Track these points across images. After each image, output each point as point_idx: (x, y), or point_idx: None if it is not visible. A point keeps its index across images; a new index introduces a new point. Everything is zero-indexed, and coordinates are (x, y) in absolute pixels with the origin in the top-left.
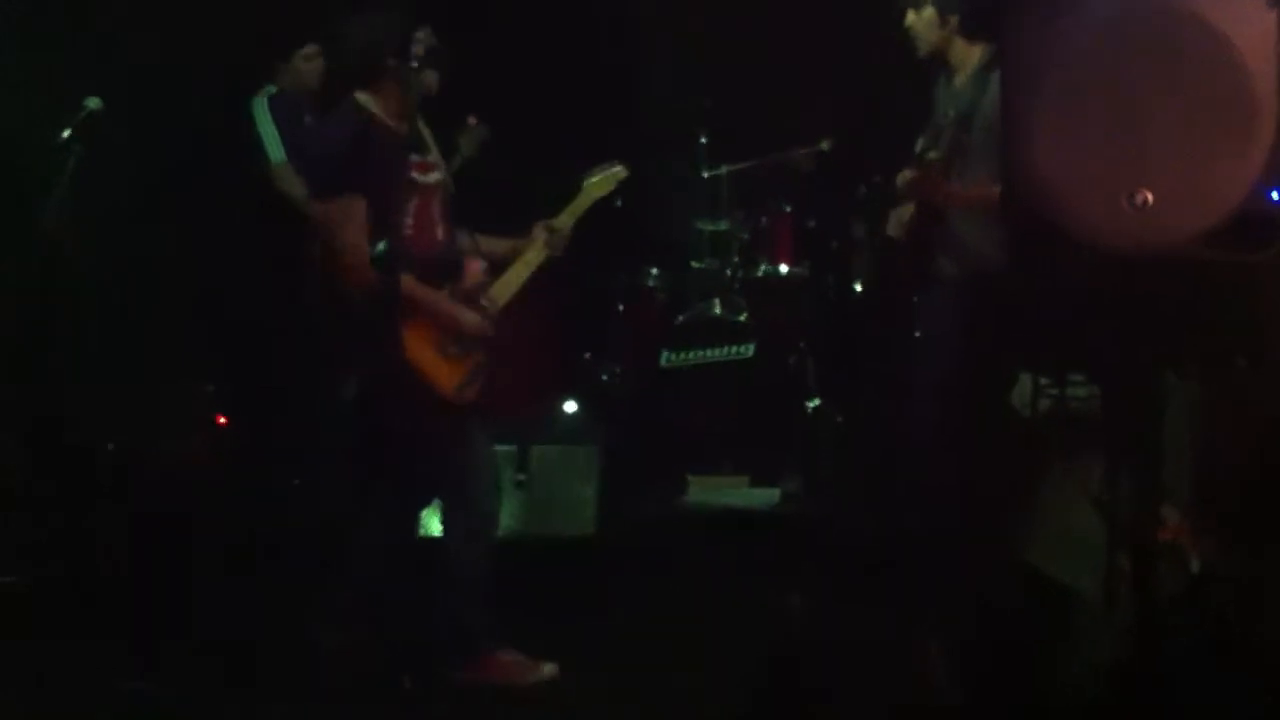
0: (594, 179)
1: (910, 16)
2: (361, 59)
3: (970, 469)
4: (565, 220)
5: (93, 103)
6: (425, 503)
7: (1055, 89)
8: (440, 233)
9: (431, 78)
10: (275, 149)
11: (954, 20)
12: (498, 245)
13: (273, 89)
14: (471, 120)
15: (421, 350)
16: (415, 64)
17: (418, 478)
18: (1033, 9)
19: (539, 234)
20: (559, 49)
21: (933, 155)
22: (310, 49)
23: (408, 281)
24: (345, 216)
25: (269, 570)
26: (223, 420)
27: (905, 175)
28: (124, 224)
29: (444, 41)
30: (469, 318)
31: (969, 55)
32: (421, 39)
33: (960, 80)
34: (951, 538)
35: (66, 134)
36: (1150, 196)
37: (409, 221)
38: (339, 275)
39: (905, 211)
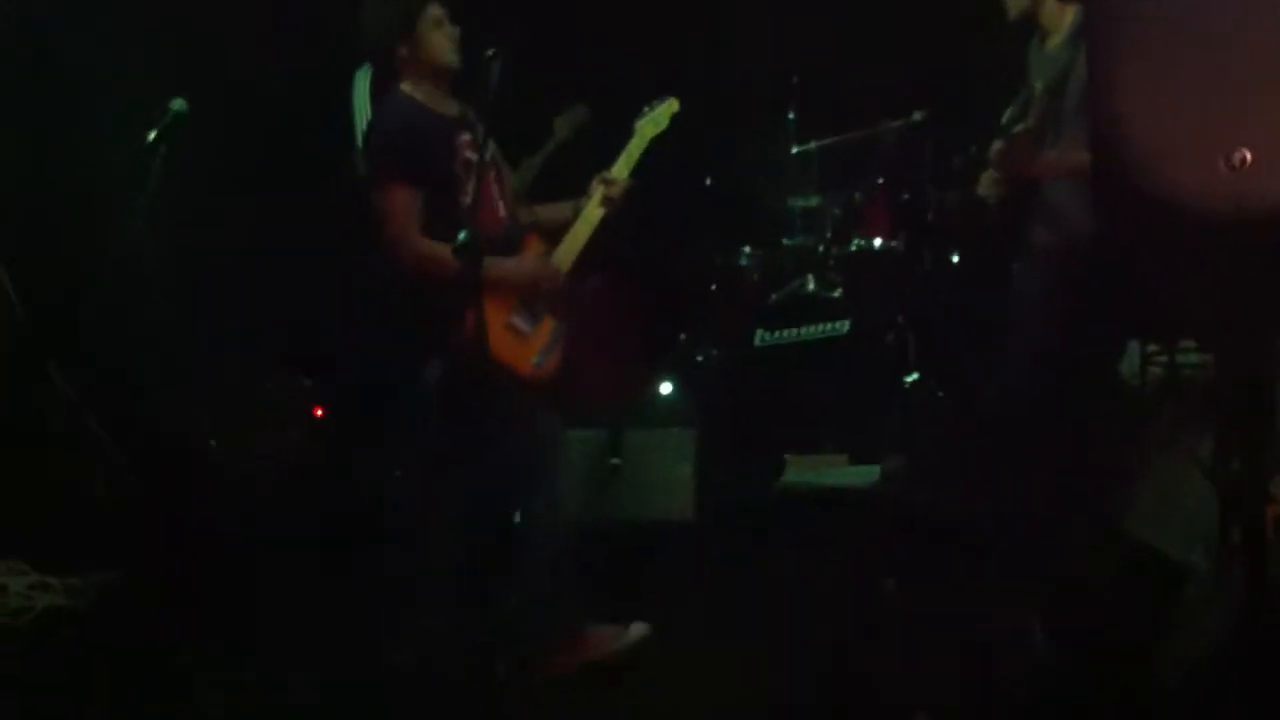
0: (645, 119)
1: None
2: (375, 46)
3: (1077, 441)
4: (621, 169)
5: (177, 104)
6: (506, 486)
7: (1142, 49)
8: (501, 209)
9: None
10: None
11: None
12: (558, 211)
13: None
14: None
15: (493, 331)
16: (438, 23)
17: (495, 460)
18: None
19: (596, 189)
20: (645, 22)
21: (1019, 127)
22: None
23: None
24: (394, 210)
25: (367, 563)
26: (319, 413)
27: (997, 145)
28: (211, 221)
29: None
30: (532, 267)
31: (1061, 18)
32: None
33: (1053, 44)
34: (1055, 512)
35: (153, 135)
36: (1248, 155)
37: (467, 202)
38: (395, 265)
39: (996, 174)
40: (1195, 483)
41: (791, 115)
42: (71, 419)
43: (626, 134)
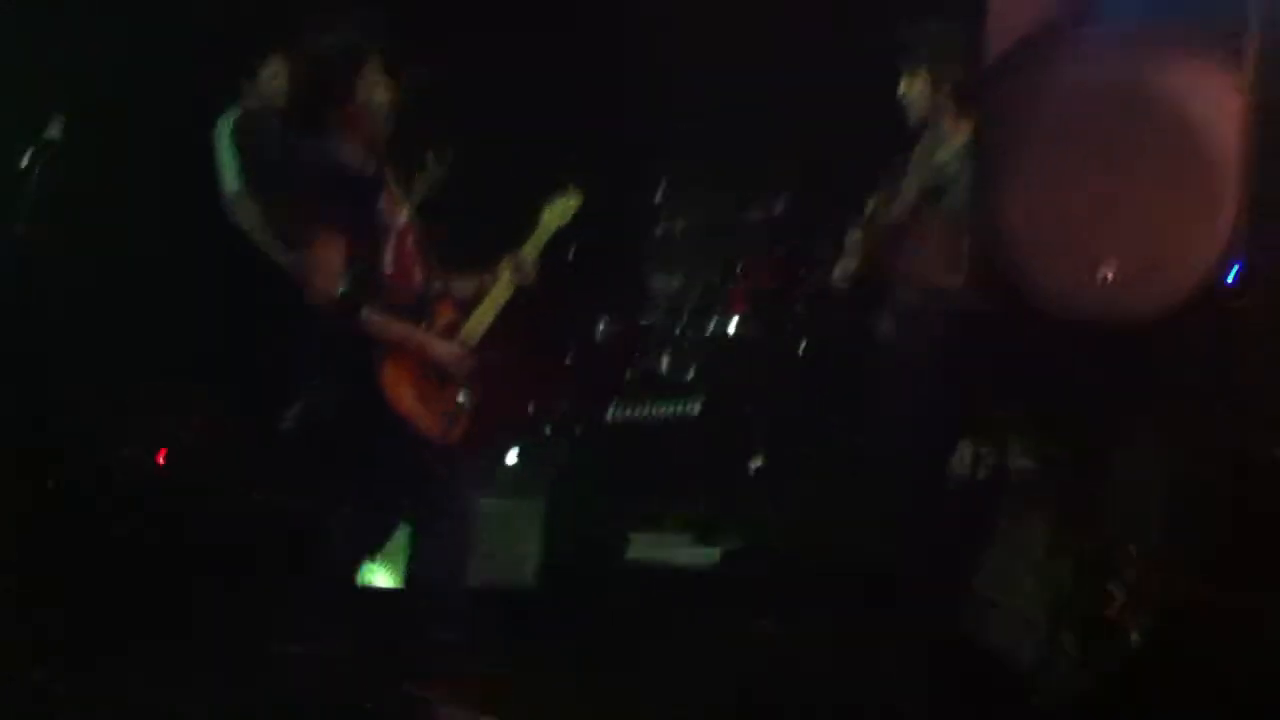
0: (551, 208)
1: (905, 83)
2: (322, 93)
3: (913, 531)
4: (530, 252)
5: (54, 130)
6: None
7: (1027, 163)
8: (417, 273)
9: (384, 101)
10: (231, 178)
11: (945, 89)
12: (465, 284)
13: (238, 110)
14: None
15: (402, 389)
16: (371, 84)
17: (396, 507)
18: (1011, 85)
19: (504, 270)
20: (523, 83)
21: (881, 219)
22: (275, 67)
23: (385, 320)
24: (318, 262)
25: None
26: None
27: (854, 235)
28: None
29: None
30: (447, 349)
31: (957, 130)
32: (373, 74)
33: (942, 154)
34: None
35: (26, 159)
36: (1112, 272)
37: (387, 260)
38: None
39: (851, 262)
40: (1028, 581)
41: (660, 196)
42: None
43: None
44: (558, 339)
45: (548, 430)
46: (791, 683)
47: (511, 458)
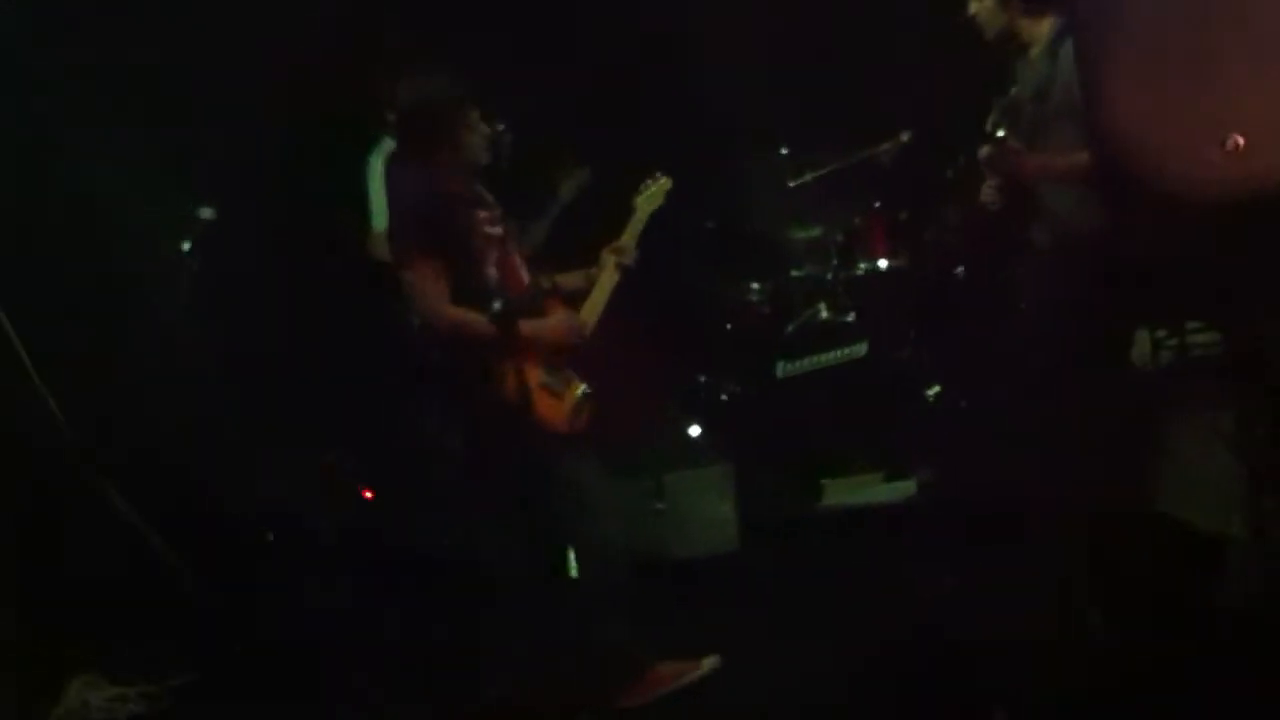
0: (643, 195)
1: (973, 4)
2: (419, 128)
3: (1101, 430)
4: (628, 240)
5: (206, 213)
6: (556, 537)
7: (1129, 46)
8: (524, 275)
9: (485, 139)
10: (379, 215)
11: (1015, 2)
12: (571, 279)
13: (390, 142)
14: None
15: (528, 391)
16: (474, 126)
17: (544, 513)
18: None
19: (607, 259)
20: (629, 80)
21: (1003, 131)
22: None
23: (509, 321)
24: (425, 286)
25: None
26: (369, 494)
27: (984, 152)
28: (252, 314)
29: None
30: (565, 324)
31: (1038, 30)
32: (480, 106)
33: (1034, 55)
34: (1089, 501)
35: (187, 246)
36: (1240, 140)
37: (492, 273)
38: (431, 338)
39: (990, 183)
40: (1221, 456)
41: (783, 150)
42: (128, 534)
43: (624, 201)
44: (711, 306)
45: (723, 396)
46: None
47: (694, 429)
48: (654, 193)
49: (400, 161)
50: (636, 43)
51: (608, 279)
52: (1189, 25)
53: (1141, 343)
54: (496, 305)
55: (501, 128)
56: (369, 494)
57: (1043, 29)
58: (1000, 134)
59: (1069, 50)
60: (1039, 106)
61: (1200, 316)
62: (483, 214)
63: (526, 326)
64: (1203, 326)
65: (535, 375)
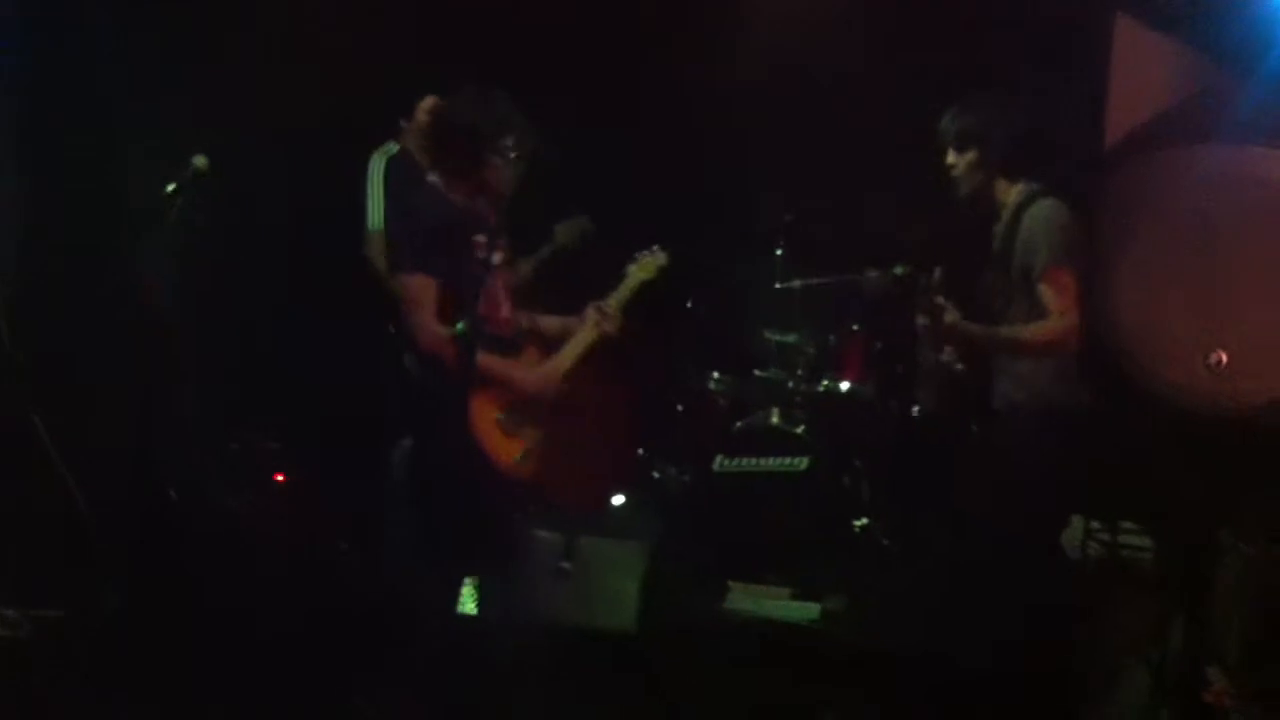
0: (638, 264)
1: (951, 156)
2: (450, 143)
3: (1018, 601)
4: (614, 305)
5: (200, 161)
6: (469, 576)
7: (1141, 250)
8: (505, 311)
9: (514, 171)
10: (375, 214)
11: (996, 162)
12: (551, 324)
13: (394, 148)
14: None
15: (482, 422)
16: (505, 155)
17: (466, 551)
18: (1123, 171)
19: (591, 315)
20: (652, 150)
21: (940, 305)
22: (432, 101)
23: (481, 355)
24: (416, 297)
25: (313, 635)
26: (280, 478)
27: (920, 320)
28: (214, 277)
29: (540, 135)
30: (535, 377)
31: (1008, 195)
32: (515, 137)
33: (1001, 221)
34: (989, 668)
35: (171, 188)
36: (1225, 358)
37: (479, 301)
38: (411, 349)
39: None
40: (1131, 668)
41: (780, 251)
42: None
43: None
44: (666, 385)
45: (656, 475)
46: None
47: (618, 500)
48: (648, 264)
49: (411, 169)
50: (674, 112)
51: (585, 336)
52: (1203, 242)
53: (1075, 529)
54: (459, 326)
55: (514, 155)
56: (280, 478)
57: (1011, 195)
58: (933, 301)
59: (1029, 220)
60: (998, 276)
61: (1137, 520)
62: (488, 241)
63: (498, 364)
64: (1136, 530)
65: (493, 411)
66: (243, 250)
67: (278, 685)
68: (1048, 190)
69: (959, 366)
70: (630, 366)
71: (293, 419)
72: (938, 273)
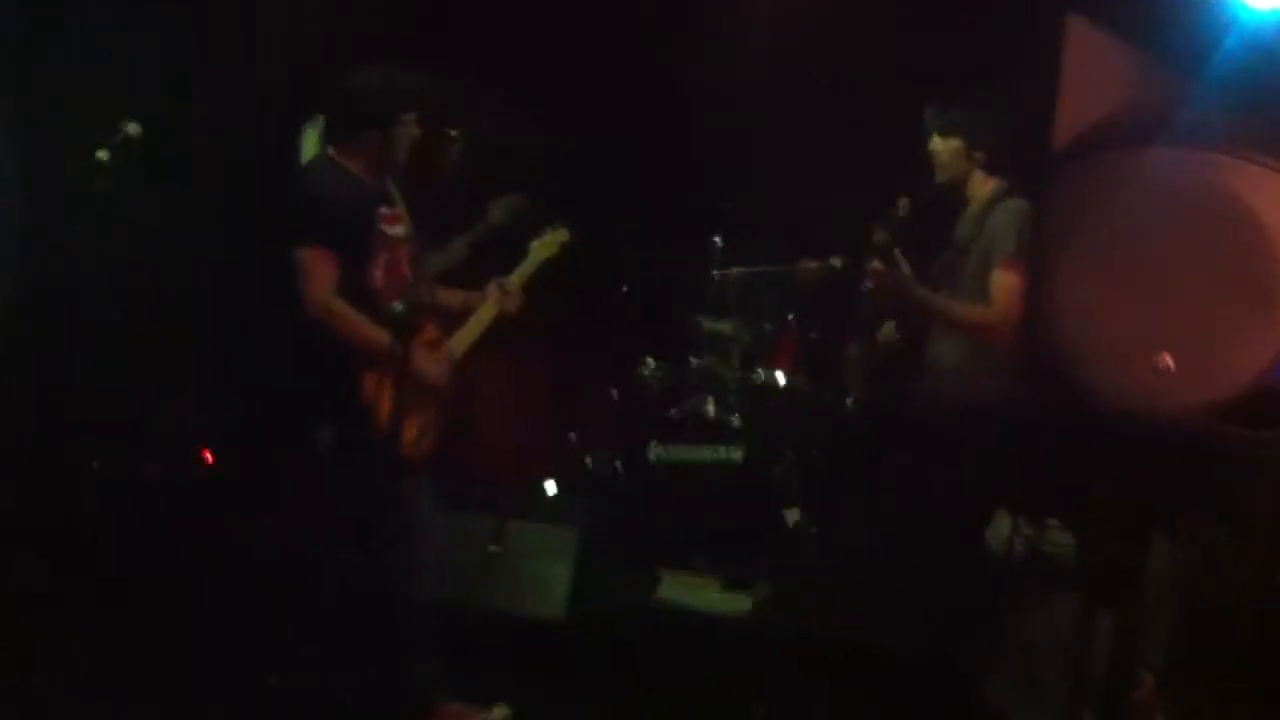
0: (540, 241)
1: (936, 142)
2: (350, 113)
3: (943, 593)
4: (515, 281)
5: (131, 128)
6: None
7: (1086, 251)
8: (405, 286)
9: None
10: None
11: (979, 155)
12: (452, 298)
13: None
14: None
15: (379, 400)
16: (403, 128)
17: (372, 530)
18: (1075, 165)
19: (492, 291)
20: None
21: (891, 255)
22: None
23: (372, 329)
24: (308, 268)
25: (228, 608)
26: (207, 455)
27: (873, 265)
28: (143, 244)
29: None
30: (430, 366)
31: (984, 188)
32: (418, 111)
33: (970, 211)
34: (916, 661)
35: (103, 155)
36: (1171, 363)
37: (378, 274)
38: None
39: (890, 328)
40: (1052, 660)
41: (718, 240)
42: None
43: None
44: (598, 371)
45: (588, 461)
46: None
47: (550, 486)
48: (549, 241)
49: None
50: (620, 88)
51: (486, 312)
52: (1148, 244)
53: (1000, 524)
54: (398, 306)
55: (454, 133)
56: (207, 453)
57: (988, 188)
58: (886, 249)
59: (999, 213)
60: (956, 257)
61: (1062, 518)
62: (386, 212)
63: (395, 342)
64: (1060, 528)
65: (389, 390)
66: (174, 220)
67: (197, 659)
68: (1022, 189)
69: (896, 340)
70: (551, 348)
71: (222, 392)
72: (902, 206)
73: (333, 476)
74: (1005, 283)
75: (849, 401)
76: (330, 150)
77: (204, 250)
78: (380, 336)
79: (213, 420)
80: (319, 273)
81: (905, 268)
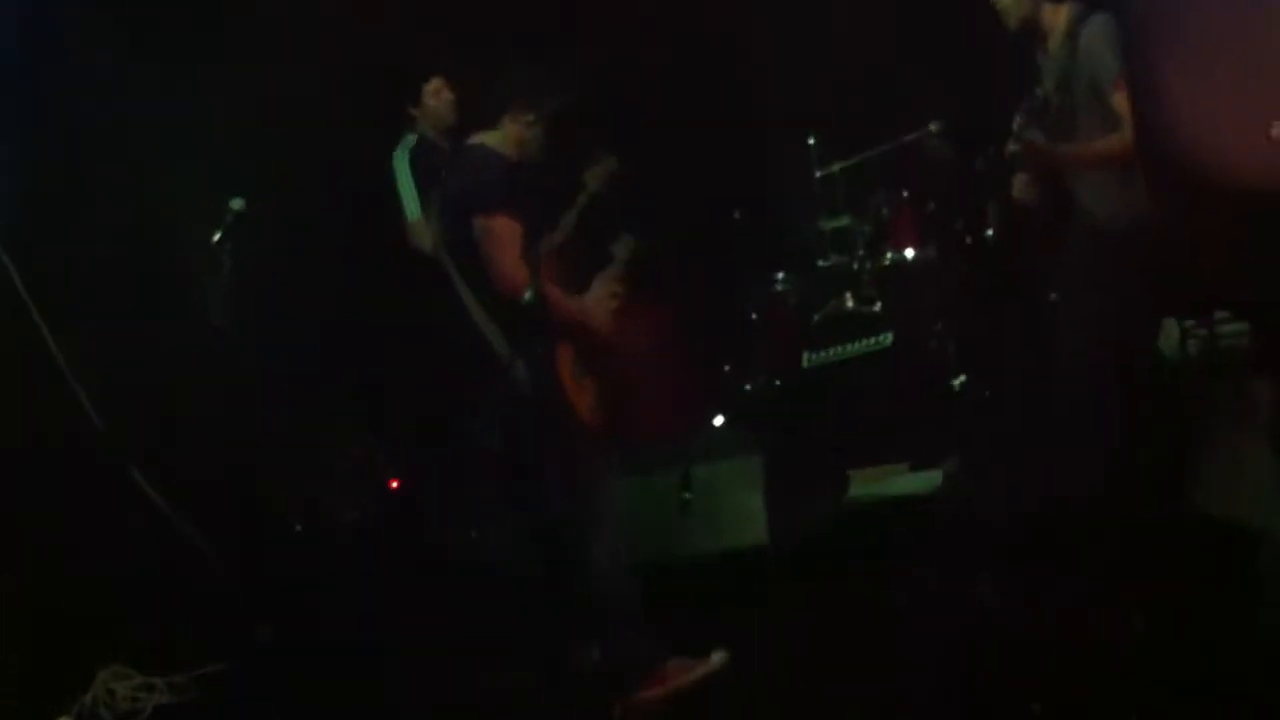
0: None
1: None
2: (494, 107)
3: (1133, 423)
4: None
5: (236, 204)
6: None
7: (1180, 34)
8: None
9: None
10: (411, 205)
11: None
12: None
13: (412, 138)
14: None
15: (561, 371)
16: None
17: (560, 506)
18: None
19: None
20: (656, 69)
21: (1029, 133)
22: (435, 83)
23: (556, 293)
24: (502, 236)
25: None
26: (394, 484)
27: (1011, 148)
28: (281, 305)
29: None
30: (599, 309)
31: (1057, 18)
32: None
33: (1053, 45)
34: (1123, 496)
35: (218, 237)
36: None
37: (554, 242)
38: (500, 296)
39: (1025, 176)
40: (1257, 451)
41: (811, 140)
42: (159, 522)
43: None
44: (738, 298)
45: (748, 387)
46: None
47: (719, 420)
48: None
49: (434, 153)
50: (663, 30)
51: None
52: (1237, 18)
53: (1170, 332)
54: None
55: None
56: (395, 484)
57: (1060, 18)
58: (1025, 131)
59: (1087, 38)
60: (1062, 97)
61: (1228, 307)
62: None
63: (574, 301)
64: (1230, 317)
65: (567, 360)
66: (296, 276)
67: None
68: (1095, 6)
69: (1032, 197)
70: (684, 291)
71: (389, 424)
72: (1019, 116)
73: (521, 461)
74: (1128, 100)
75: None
76: (485, 137)
77: (342, 295)
78: (559, 299)
79: (394, 451)
80: (514, 241)
81: (1037, 136)
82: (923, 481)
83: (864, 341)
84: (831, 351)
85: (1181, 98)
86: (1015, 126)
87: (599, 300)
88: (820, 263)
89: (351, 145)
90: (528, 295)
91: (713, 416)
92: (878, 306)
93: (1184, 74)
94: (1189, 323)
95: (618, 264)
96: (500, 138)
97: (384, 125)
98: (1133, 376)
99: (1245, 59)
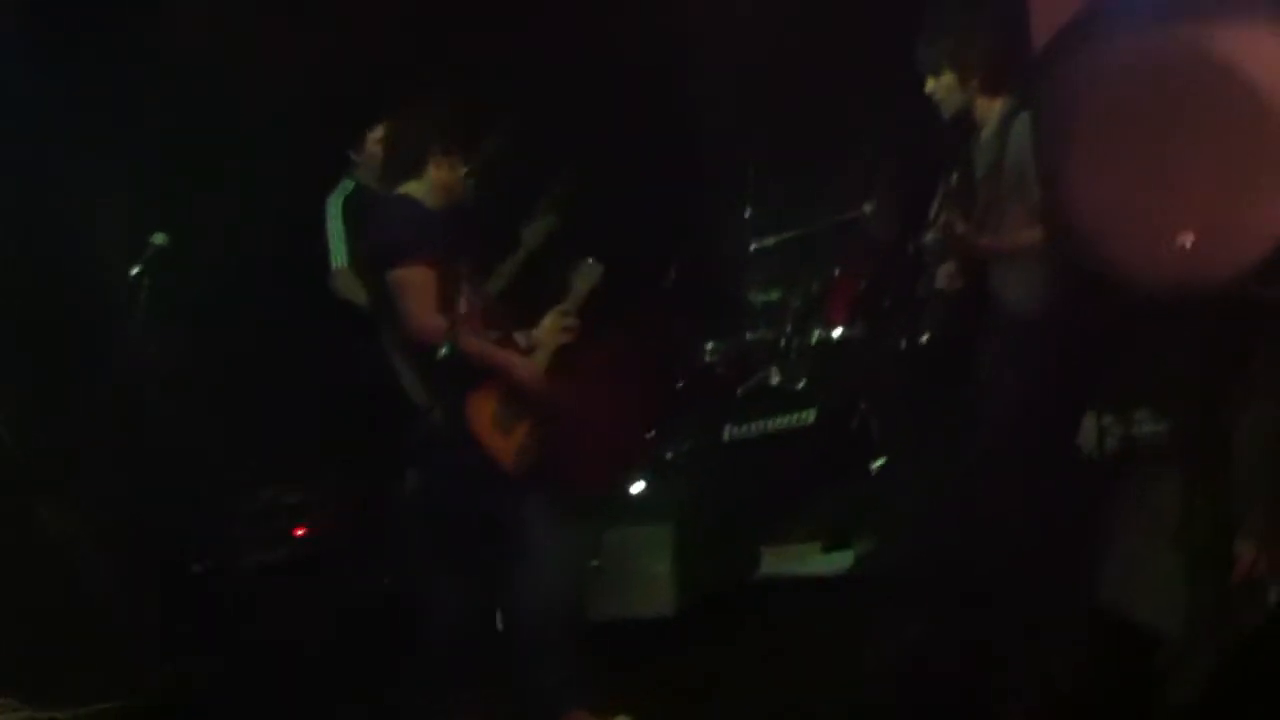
0: (579, 274)
1: (930, 83)
2: (414, 155)
3: (1045, 514)
4: (570, 306)
5: (159, 239)
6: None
7: (1088, 139)
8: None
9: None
10: (338, 252)
11: (974, 82)
12: (520, 336)
13: (349, 185)
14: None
15: (480, 421)
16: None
17: (486, 552)
18: (1062, 62)
19: (555, 320)
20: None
21: (950, 216)
22: (378, 131)
23: (475, 341)
24: (417, 285)
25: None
26: (299, 532)
27: (931, 237)
28: (197, 344)
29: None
30: (530, 366)
31: (991, 110)
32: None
33: (985, 136)
34: (1030, 585)
35: (136, 270)
36: (1190, 239)
37: (470, 293)
38: (411, 343)
39: (950, 265)
40: (1163, 549)
41: (748, 213)
42: (67, 551)
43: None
44: (662, 364)
45: (667, 456)
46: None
47: (636, 487)
48: (586, 275)
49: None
50: (618, 90)
51: (552, 340)
52: (1149, 122)
53: (1088, 429)
54: (445, 349)
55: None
56: (300, 532)
57: (995, 109)
58: (947, 220)
59: (1017, 130)
60: (990, 188)
61: (1145, 404)
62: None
63: (500, 353)
64: (1149, 415)
65: (489, 407)
66: (217, 310)
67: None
68: (1028, 102)
69: (957, 284)
70: (612, 350)
71: (303, 467)
72: (954, 179)
73: (441, 505)
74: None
75: (908, 345)
76: (410, 186)
77: (263, 330)
78: (488, 350)
79: (311, 495)
80: (427, 293)
81: (960, 226)
82: (835, 561)
83: (787, 417)
84: (754, 426)
85: (1091, 199)
86: (933, 215)
87: (544, 338)
88: (749, 335)
89: (286, 185)
90: (444, 350)
91: (633, 480)
92: (802, 383)
93: (1097, 173)
94: (1107, 420)
95: (576, 296)
96: (424, 186)
97: (322, 168)
98: (1047, 468)
99: (1159, 168)
